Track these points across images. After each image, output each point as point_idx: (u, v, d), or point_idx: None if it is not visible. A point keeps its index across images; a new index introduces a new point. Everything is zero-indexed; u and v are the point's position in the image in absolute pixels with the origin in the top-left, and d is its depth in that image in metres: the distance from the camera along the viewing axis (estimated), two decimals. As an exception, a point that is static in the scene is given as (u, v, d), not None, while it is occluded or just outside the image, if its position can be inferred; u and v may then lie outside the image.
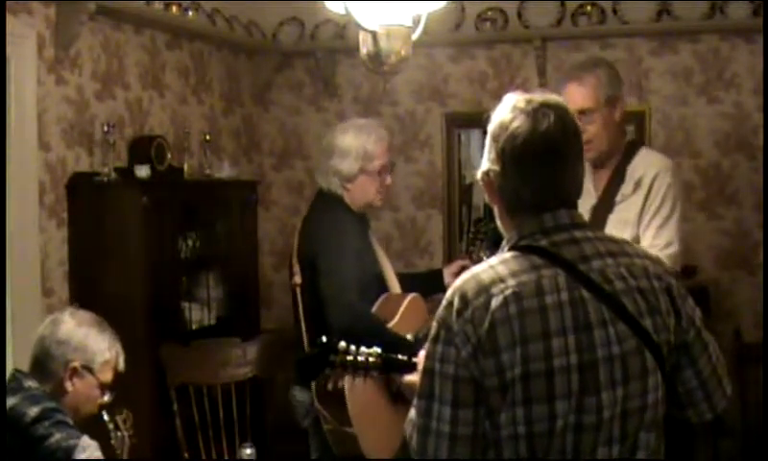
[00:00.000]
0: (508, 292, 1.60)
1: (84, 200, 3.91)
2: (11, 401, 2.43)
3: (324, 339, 2.26)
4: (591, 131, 2.83)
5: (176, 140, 4.53)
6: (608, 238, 1.76)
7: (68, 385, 2.56)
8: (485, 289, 1.62)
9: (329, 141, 3.26)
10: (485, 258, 1.73)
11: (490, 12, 5.02)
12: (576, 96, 2.85)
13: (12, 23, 3.50)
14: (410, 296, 3.23)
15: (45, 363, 2.56)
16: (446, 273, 3.39)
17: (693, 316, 1.74)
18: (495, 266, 1.66)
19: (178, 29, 4.63)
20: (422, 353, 1.72)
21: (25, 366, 2.61)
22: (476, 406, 1.60)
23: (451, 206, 5.24)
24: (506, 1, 5.00)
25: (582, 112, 2.75)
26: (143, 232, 3.87)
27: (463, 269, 2.76)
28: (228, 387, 3.93)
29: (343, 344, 2.24)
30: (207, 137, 4.67)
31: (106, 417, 2.69)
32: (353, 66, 5.17)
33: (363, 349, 2.25)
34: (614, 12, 4.82)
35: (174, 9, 4.52)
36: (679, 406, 1.77)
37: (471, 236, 4.99)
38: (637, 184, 2.93)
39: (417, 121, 5.26)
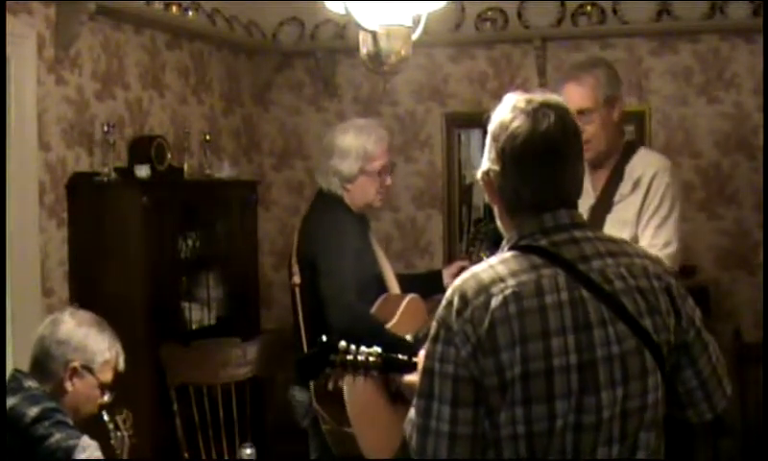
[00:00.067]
0: (508, 292, 1.60)
1: (84, 200, 3.91)
2: (11, 401, 2.43)
3: (325, 338, 2.26)
4: (590, 131, 2.83)
5: (176, 140, 4.53)
6: (608, 238, 1.76)
7: (68, 385, 2.55)
8: (485, 289, 1.62)
9: (329, 141, 3.26)
10: (485, 259, 1.73)
11: (490, 12, 5.03)
12: (575, 96, 2.85)
13: (11, 23, 3.50)
14: (409, 296, 3.23)
15: (45, 363, 2.56)
16: (446, 274, 3.39)
17: (693, 316, 1.74)
18: (495, 266, 1.66)
19: (178, 29, 4.63)
20: (422, 353, 1.72)
21: (25, 366, 2.61)
22: (476, 406, 1.60)
23: (451, 207, 5.24)
24: (506, 1, 5.00)
25: (580, 112, 2.74)
26: (143, 232, 3.87)
27: (462, 270, 2.75)
28: (228, 387, 3.93)
29: (343, 343, 2.24)
30: (207, 137, 4.67)
31: (106, 417, 2.69)
32: (353, 66, 5.17)
33: (363, 348, 2.25)
34: (614, 12, 4.83)
35: (174, 9, 4.52)
36: (679, 406, 1.77)
37: (471, 237, 4.99)
38: (636, 184, 2.93)
39: (417, 121, 5.26)
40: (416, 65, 4.72)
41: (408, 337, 2.97)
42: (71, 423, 2.45)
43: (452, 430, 1.60)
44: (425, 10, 2.71)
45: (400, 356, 2.30)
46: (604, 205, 2.95)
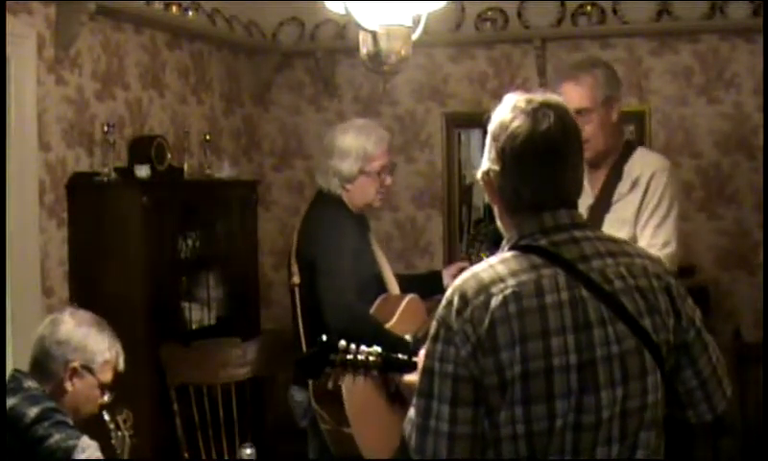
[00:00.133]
0: (507, 291, 1.60)
1: (84, 200, 3.91)
2: (10, 402, 2.43)
3: (325, 338, 2.26)
4: (588, 130, 2.83)
5: (176, 140, 4.54)
6: (607, 238, 1.76)
7: (68, 385, 2.55)
8: (484, 288, 1.62)
9: (329, 141, 3.26)
10: (485, 259, 1.73)
11: (490, 12, 5.03)
12: (573, 96, 2.85)
13: (11, 23, 3.50)
14: (408, 297, 3.23)
15: (45, 363, 2.56)
16: (445, 274, 3.39)
17: (693, 316, 1.74)
18: (495, 265, 1.66)
19: (178, 29, 4.63)
20: (422, 353, 1.72)
21: (25, 366, 2.61)
22: (475, 405, 1.60)
23: (451, 207, 5.24)
24: (506, 1, 5.00)
25: (579, 112, 2.74)
26: (143, 232, 3.87)
27: (462, 271, 2.76)
28: (228, 387, 3.93)
29: (343, 343, 2.25)
30: (207, 137, 4.67)
31: (107, 417, 2.69)
32: (353, 66, 5.17)
33: (363, 348, 2.25)
34: (614, 12, 4.83)
35: (174, 9, 4.52)
36: (679, 406, 1.77)
37: (471, 238, 4.99)
38: (634, 184, 2.94)
39: (417, 121, 5.26)
40: (416, 65, 4.73)
41: (407, 337, 2.97)
42: (71, 423, 2.45)
43: (452, 430, 1.60)
44: (425, 10, 2.71)
45: (400, 356, 2.30)
46: (602, 204, 2.95)
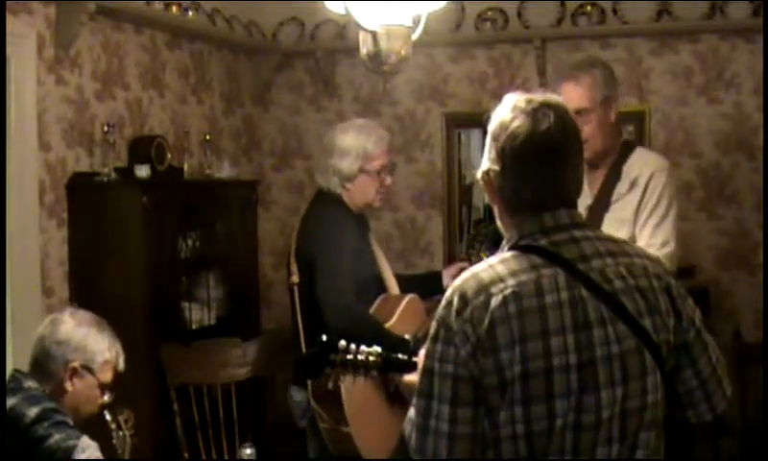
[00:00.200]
0: (507, 291, 1.61)
1: (84, 200, 3.91)
2: (10, 402, 2.42)
3: (325, 338, 2.26)
4: (587, 130, 2.83)
5: (176, 140, 4.54)
6: (607, 238, 1.76)
7: (68, 385, 2.55)
8: (484, 288, 1.62)
9: (329, 141, 3.26)
10: (485, 259, 1.73)
11: (490, 12, 5.03)
12: (572, 95, 2.85)
13: (12, 23, 3.50)
14: (408, 297, 3.23)
15: (45, 363, 2.56)
16: (445, 275, 3.39)
17: (693, 316, 1.74)
18: (495, 265, 1.66)
19: (178, 29, 4.63)
20: (422, 353, 1.72)
21: (25, 366, 2.61)
22: (475, 405, 1.60)
23: (451, 207, 5.24)
24: (506, 1, 5.00)
25: (578, 112, 2.74)
26: (143, 232, 3.87)
27: (462, 271, 2.76)
28: (228, 387, 3.93)
29: (343, 342, 2.24)
30: (207, 137, 4.67)
31: (108, 417, 2.69)
32: (353, 66, 5.17)
33: (363, 348, 2.25)
34: (614, 12, 4.83)
35: (174, 9, 4.52)
36: (679, 406, 1.77)
37: (471, 238, 5.00)
38: (633, 184, 2.94)
39: (417, 121, 5.26)
40: (416, 65, 4.73)
41: (407, 337, 2.97)
42: (71, 423, 2.45)
43: (452, 430, 1.60)
44: (425, 10, 2.71)
45: (400, 356, 2.30)
46: (601, 204, 2.95)
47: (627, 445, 1.63)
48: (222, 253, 4.55)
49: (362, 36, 2.66)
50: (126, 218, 3.87)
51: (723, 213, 4.81)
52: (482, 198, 5.06)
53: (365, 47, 2.66)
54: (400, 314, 3.13)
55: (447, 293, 1.67)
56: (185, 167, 4.47)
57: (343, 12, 2.69)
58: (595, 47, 4.89)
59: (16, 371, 2.60)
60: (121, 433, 2.71)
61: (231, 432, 3.91)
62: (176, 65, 4.70)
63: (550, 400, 1.57)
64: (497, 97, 1.77)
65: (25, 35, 3.63)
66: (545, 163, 1.69)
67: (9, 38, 3.45)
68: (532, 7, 4.95)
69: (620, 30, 4.84)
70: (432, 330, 1.66)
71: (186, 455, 3.88)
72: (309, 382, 3.03)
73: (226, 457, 3.92)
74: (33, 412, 2.39)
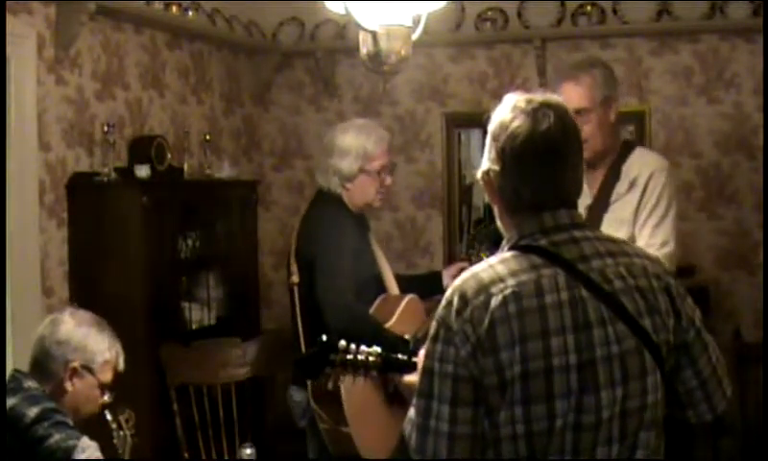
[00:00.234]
0: (507, 291, 1.60)
1: (84, 200, 3.91)
2: (10, 402, 2.42)
3: (325, 338, 2.26)
4: (587, 130, 2.82)
5: (176, 140, 4.54)
6: (607, 238, 1.76)
7: (68, 385, 2.55)
8: (484, 288, 1.62)
9: (330, 140, 3.26)
10: (485, 259, 1.73)
11: (490, 12, 5.03)
12: (572, 95, 2.85)
13: (11, 23, 3.50)
14: (408, 297, 3.23)
15: (45, 363, 2.56)
16: (445, 275, 3.39)
17: (693, 316, 1.74)
18: (495, 265, 1.66)
19: (178, 29, 4.63)
20: (422, 353, 1.72)
21: (25, 366, 2.61)
22: (475, 405, 1.60)
23: (451, 207, 5.24)
24: (506, 1, 5.00)
25: (577, 112, 2.74)
26: (143, 232, 3.87)
27: (462, 271, 2.77)
28: (228, 387, 3.93)
29: (343, 343, 2.24)
30: (207, 137, 4.67)
31: (109, 416, 2.69)
32: (353, 66, 5.17)
33: (363, 348, 2.25)
34: (614, 12, 4.83)
35: (174, 9, 4.52)
36: (679, 406, 1.77)
37: (471, 239, 4.99)
38: (632, 183, 2.94)
39: (417, 121, 5.26)
40: (416, 65, 4.73)
41: (407, 337, 2.97)
42: (71, 423, 2.45)
43: (452, 430, 1.60)
44: (425, 10, 2.71)
45: (400, 356, 2.30)
46: (601, 204, 2.95)
47: (627, 445, 1.63)
48: (222, 253, 4.55)
49: (362, 36, 2.66)
50: (126, 218, 3.87)
51: (723, 213, 4.81)
52: (482, 198, 5.06)
53: (365, 47, 2.66)
54: (400, 314, 3.13)
55: (447, 293, 1.67)
56: (185, 167, 4.47)
57: (343, 11, 2.69)
58: (595, 47, 4.89)
59: (16, 371, 2.60)
60: (122, 433, 2.71)
61: (231, 432, 3.91)
62: (176, 65, 4.70)
63: (550, 400, 1.57)
64: (497, 97, 1.77)
65: (25, 35, 3.63)
66: (545, 163, 1.69)
67: (9, 38, 3.45)
68: (532, 7, 4.95)
69: (620, 30, 4.84)
70: (432, 330, 1.66)
71: (186, 455, 3.88)
72: (309, 382, 3.03)
73: (226, 457, 3.92)
74: (33, 412, 2.39)
